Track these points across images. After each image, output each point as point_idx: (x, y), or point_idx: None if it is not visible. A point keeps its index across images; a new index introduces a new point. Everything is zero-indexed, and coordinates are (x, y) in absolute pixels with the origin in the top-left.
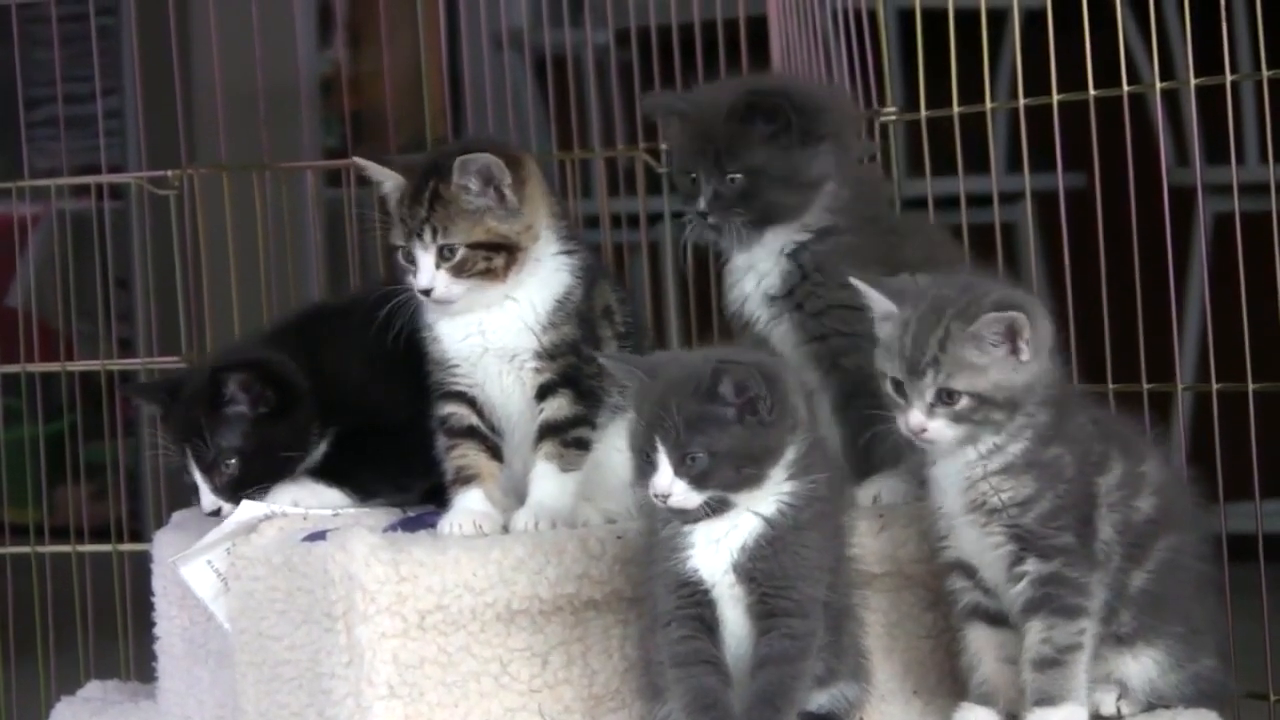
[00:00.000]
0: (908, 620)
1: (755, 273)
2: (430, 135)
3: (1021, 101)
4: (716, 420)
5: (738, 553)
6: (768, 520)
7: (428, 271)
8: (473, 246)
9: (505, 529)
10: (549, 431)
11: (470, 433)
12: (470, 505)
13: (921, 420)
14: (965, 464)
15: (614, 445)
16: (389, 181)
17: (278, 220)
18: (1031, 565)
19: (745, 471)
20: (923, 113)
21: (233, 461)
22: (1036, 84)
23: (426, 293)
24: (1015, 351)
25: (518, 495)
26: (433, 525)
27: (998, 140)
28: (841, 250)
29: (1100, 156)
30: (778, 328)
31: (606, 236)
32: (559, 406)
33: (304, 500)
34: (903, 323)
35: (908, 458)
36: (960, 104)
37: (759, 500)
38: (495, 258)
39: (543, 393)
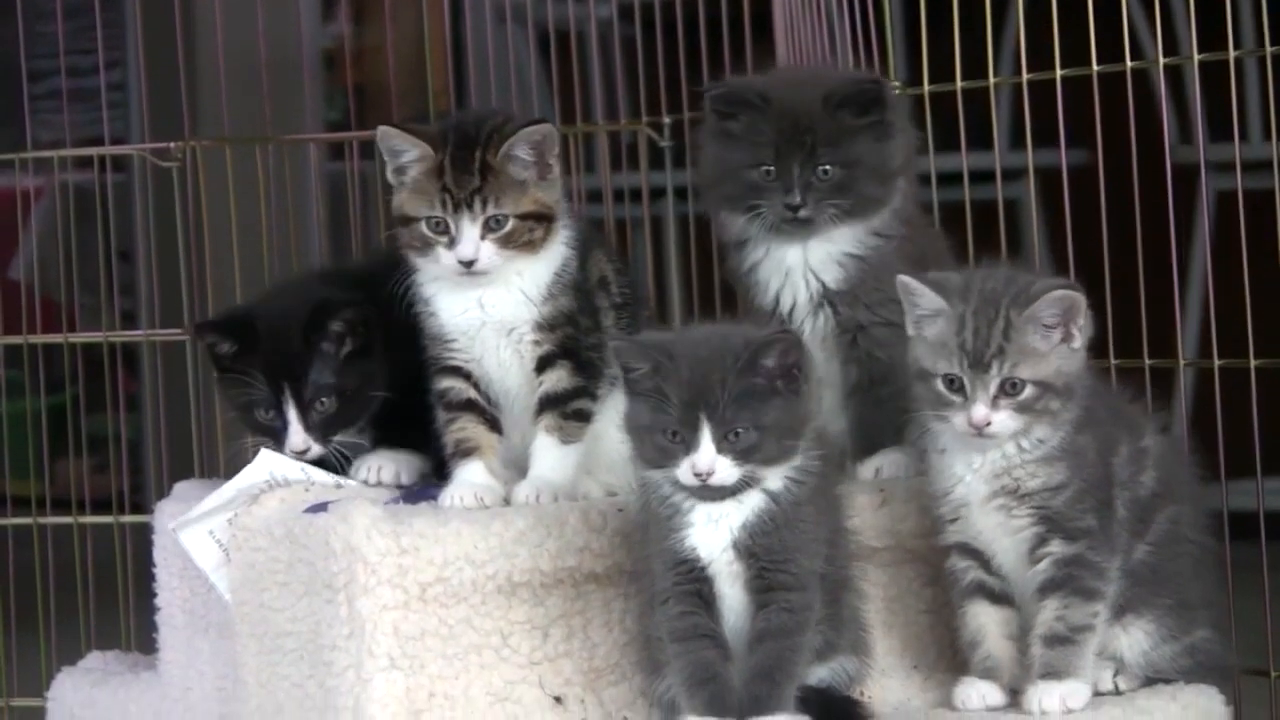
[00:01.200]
0: (908, 595)
1: (807, 269)
2: (433, 109)
3: (1025, 77)
4: (760, 392)
5: (738, 530)
6: (773, 496)
7: (471, 242)
8: (521, 217)
9: (506, 502)
10: (549, 404)
11: (469, 406)
12: (471, 478)
13: (986, 413)
14: (1002, 455)
15: (614, 418)
16: (413, 150)
17: (280, 193)
18: (1056, 547)
19: (786, 443)
20: (925, 88)
21: (328, 399)
22: (1040, 59)
23: (468, 264)
24: (1068, 338)
25: (518, 469)
26: (434, 498)
27: (1001, 116)
28: (904, 249)
29: (1103, 133)
30: (815, 318)
31: (609, 211)
32: (558, 379)
33: (395, 470)
34: (957, 319)
35: (909, 435)
36: (963, 79)
37: (770, 477)
38: (537, 229)
39: (542, 365)
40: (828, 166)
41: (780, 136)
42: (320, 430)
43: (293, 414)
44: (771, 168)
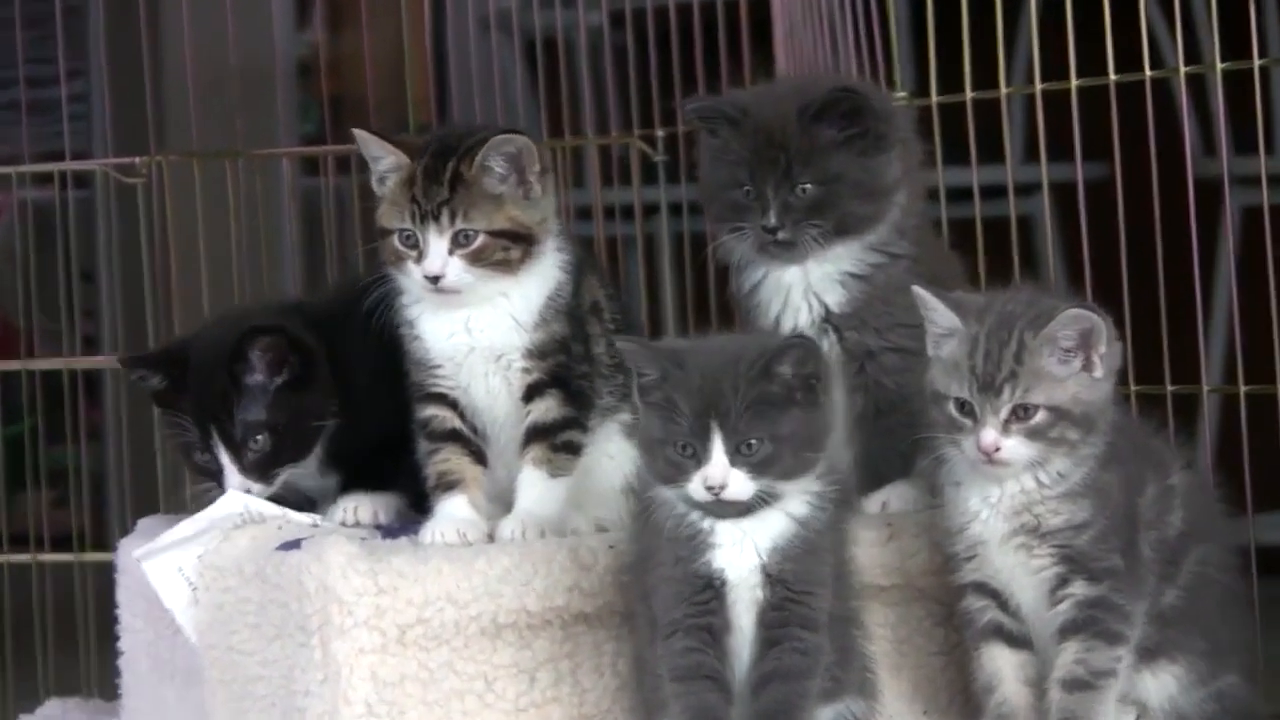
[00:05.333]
0: (917, 635)
1: (809, 289)
2: (413, 121)
3: (1038, 86)
4: (775, 402)
5: (768, 553)
6: (799, 521)
7: (438, 256)
8: (493, 234)
9: (490, 538)
10: (537, 435)
11: (453, 436)
12: (454, 512)
13: (995, 438)
14: (1020, 490)
15: (605, 450)
16: (389, 159)
17: (251, 210)
18: (1078, 588)
19: (804, 456)
20: (933, 98)
21: (261, 437)
22: (1054, 68)
23: (434, 280)
24: (1088, 366)
25: (503, 502)
26: (413, 533)
27: (1014, 128)
28: (914, 270)
29: (1122, 145)
30: (820, 343)
31: (599, 229)
32: (547, 408)
33: (373, 510)
34: (970, 339)
35: (920, 466)
36: (974, 89)
37: (791, 498)
38: (513, 248)
39: (530, 394)
40: (806, 185)
41: (755, 154)
42: (258, 470)
43: (224, 455)
44: (750, 187)
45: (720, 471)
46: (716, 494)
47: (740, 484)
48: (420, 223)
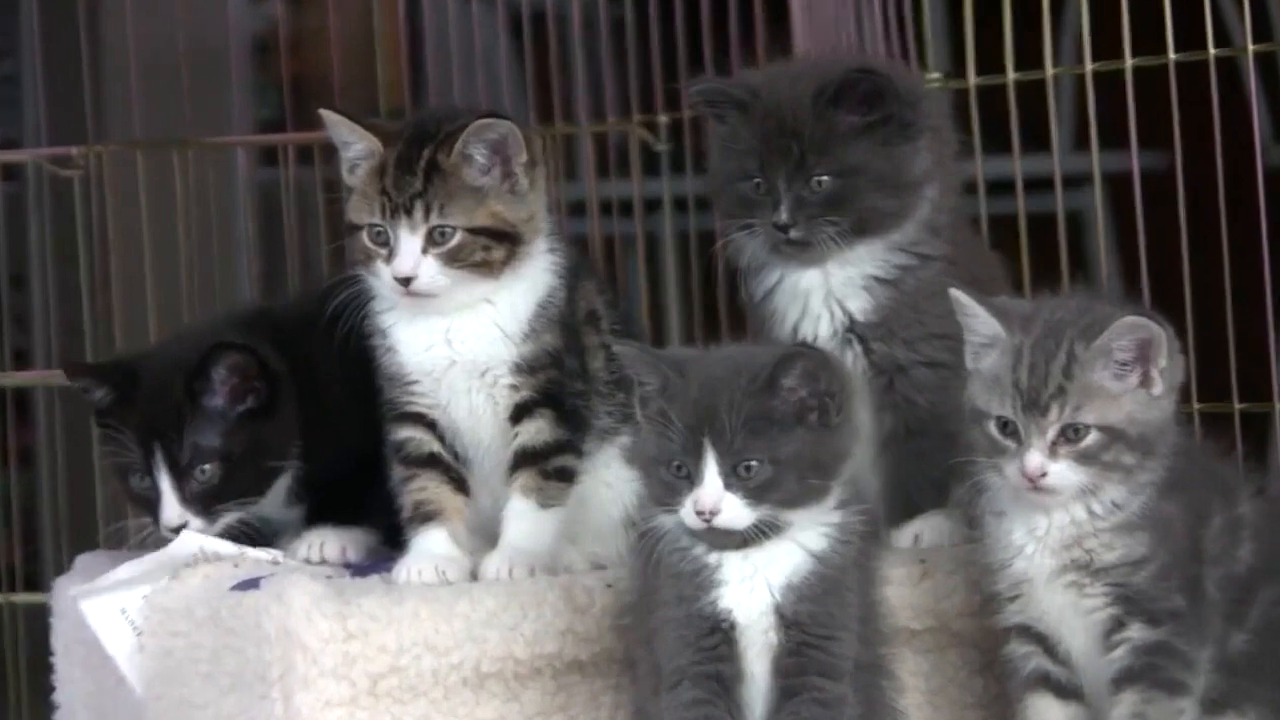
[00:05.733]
0: (953, 686)
1: (830, 295)
2: (385, 106)
3: (1089, 67)
4: (778, 420)
5: (781, 591)
6: (817, 556)
7: (410, 255)
8: (473, 231)
9: (473, 576)
10: (526, 460)
11: (431, 461)
12: (432, 548)
13: (1041, 463)
14: (1070, 521)
15: (602, 478)
16: (359, 144)
17: (202, 206)
18: (1135, 631)
19: (809, 483)
20: (971, 80)
21: (210, 465)
22: (1107, 46)
23: (405, 281)
24: (1146, 382)
25: (488, 536)
26: (387, 571)
27: (1061, 113)
28: (948, 273)
29: (1183, 132)
30: (842, 356)
31: (595, 226)
32: (538, 430)
33: (340, 546)
34: (1014, 351)
35: (956, 494)
36: (1016, 69)
37: (805, 529)
38: (495, 248)
39: (519, 413)
40: (821, 177)
41: (766, 143)
42: (201, 503)
43: (165, 481)
44: (760, 179)
45: (712, 494)
46: (708, 520)
47: (735, 510)
48: (391, 217)
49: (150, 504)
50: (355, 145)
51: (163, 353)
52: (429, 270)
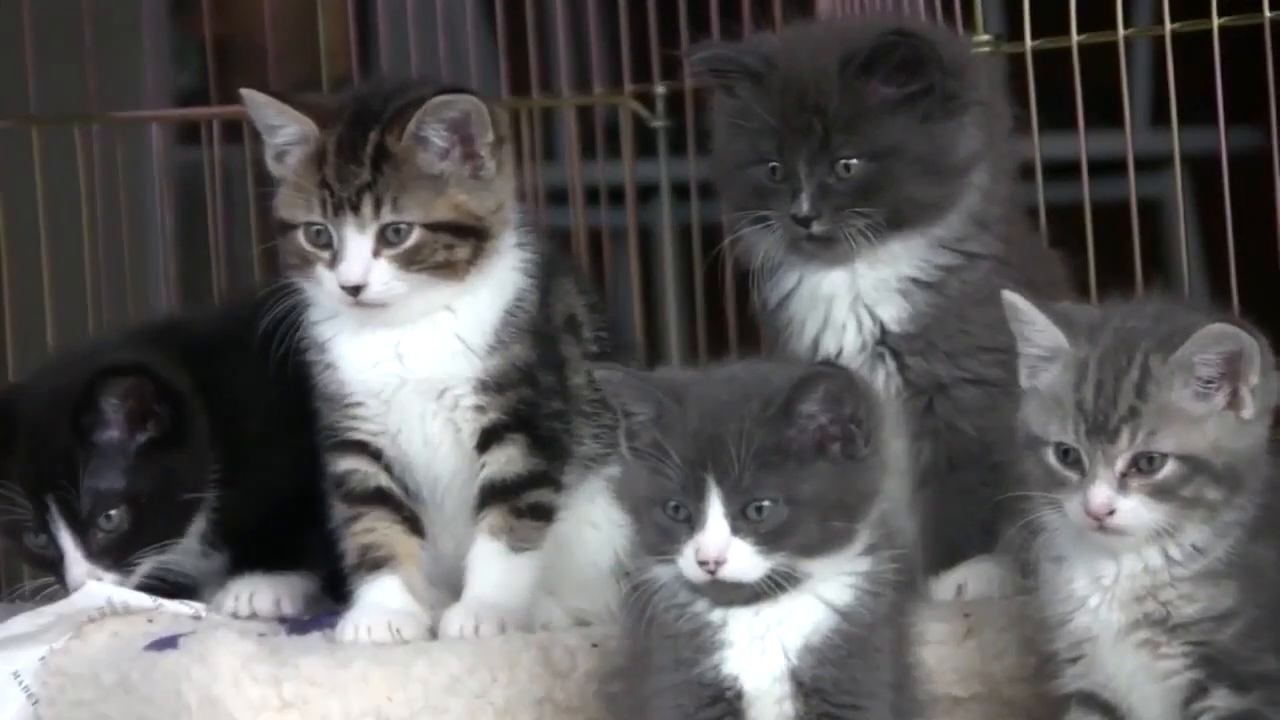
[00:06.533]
0: None
1: (857, 301)
2: (328, 75)
3: (1168, 27)
4: (795, 453)
5: (798, 654)
6: (841, 612)
7: (359, 260)
8: (431, 227)
9: (433, 634)
10: (495, 495)
11: (378, 498)
12: (382, 600)
13: (1109, 497)
14: (1143, 568)
15: (586, 516)
16: (290, 128)
17: (110, 192)
18: (1220, 699)
19: (832, 526)
20: (1028, 43)
21: (116, 512)
22: (1189, 3)
23: (354, 290)
24: (1235, 403)
25: (449, 586)
26: (330, 627)
27: (1135, 82)
28: (1000, 274)
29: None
30: (872, 373)
31: (579, 216)
32: (508, 459)
33: (273, 597)
34: (1078, 365)
35: (1005, 538)
36: (1081, 31)
37: (827, 580)
38: (458, 246)
39: (486, 440)
40: (850, 160)
41: (784, 120)
42: (111, 555)
43: (65, 538)
44: (776, 163)
45: (716, 541)
46: (713, 571)
47: (744, 559)
48: (334, 214)
49: (52, 563)
50: (285, 129)
51: (42, 384)
52: (382, 276)
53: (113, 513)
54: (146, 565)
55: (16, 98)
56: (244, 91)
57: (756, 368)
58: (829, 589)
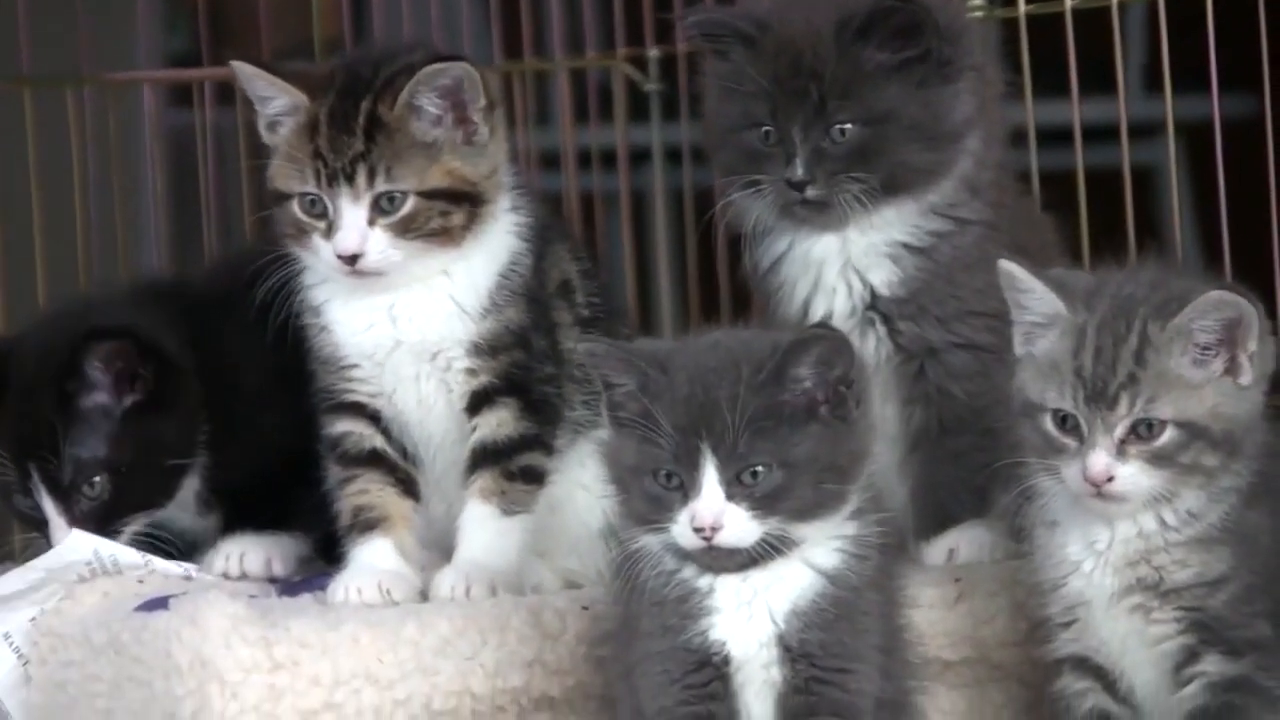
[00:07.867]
0: None
1: (848, 265)
2: (319, 39)
3: None
4: (789, 416)
5: (785, 619)
6: (828, 575)
7: (355, 229)
8: (426, 195)
9: (424, 596)
10: (486, 458)
11: (373, 460)
12: (374, 562)
13: (1108, 464)
14: (1138, 533)
15: (577, 479)
16: (281, 99)
17: (102, 154)
18: (1211, 664)
19: (828, 489)
20: (1021, 7)
21: (100, 479)
22: None
23: (351, 259)
24: (1233, 369)
25: (441, 548)
26: (321, 589)
27: (1128, 48)
28: (992, 240)
29: (1274, 71)
30: (863, 338)
31: (571, 181)
32: (500, 422)
33: (264, 557)
34: (1076, 332)
35: (998, 503)
36: None
37: (814, 544)
38: (454, 212)
39: (477, 403)
40: (844, 125)
41: (778, 84)
42: (95, 521)
43: (48, 503)
44: (770, 128)
45: (712, 508)
46: (708, 539)
47: (739, 525)
48: (329, 185)
49: (39, 525)
50: (275, 100)
51: (28, 346)
52: (378, 244)
53: (95, 480)
54: (132, 529)
55: (9, 59)
56: (233, 64)
57: (739, 334)
58: (816, 553)
